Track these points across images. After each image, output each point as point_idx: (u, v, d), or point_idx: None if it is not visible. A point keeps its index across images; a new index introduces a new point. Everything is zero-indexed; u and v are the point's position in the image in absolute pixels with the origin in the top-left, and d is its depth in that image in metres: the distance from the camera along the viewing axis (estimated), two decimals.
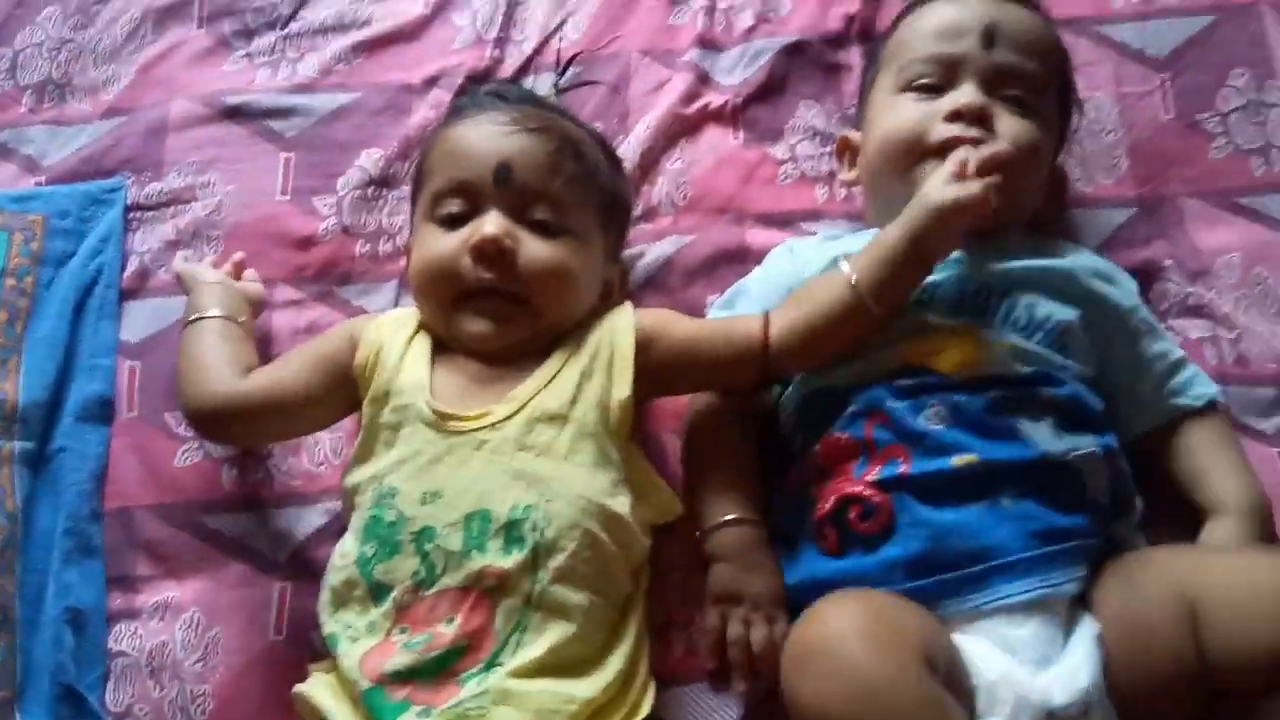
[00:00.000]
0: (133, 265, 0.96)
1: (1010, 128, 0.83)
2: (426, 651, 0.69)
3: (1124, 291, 0.87)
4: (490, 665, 0.69)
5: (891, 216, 0.81)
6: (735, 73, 1.03)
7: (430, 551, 0.71)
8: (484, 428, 0.74)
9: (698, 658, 0.79)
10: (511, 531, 0.71)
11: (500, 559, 0.70)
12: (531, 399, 0.75)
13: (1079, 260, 0.86)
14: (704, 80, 1.03)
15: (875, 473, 0.76)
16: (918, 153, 0.84)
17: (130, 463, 0.89)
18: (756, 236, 0.96)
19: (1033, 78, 0.85)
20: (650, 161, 0.99)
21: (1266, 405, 0.90)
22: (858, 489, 0.75)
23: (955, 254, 0.82)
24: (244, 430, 0.83)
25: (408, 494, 0.73)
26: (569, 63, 1.00)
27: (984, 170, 0.77)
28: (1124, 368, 0.85)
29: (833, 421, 0.79)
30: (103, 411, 0.89)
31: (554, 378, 0.77)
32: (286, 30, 1.05)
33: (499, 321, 0.77)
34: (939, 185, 0.77)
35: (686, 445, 0.86)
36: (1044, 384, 0.78)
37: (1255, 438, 0.89)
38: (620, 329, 0.79)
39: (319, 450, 0.88)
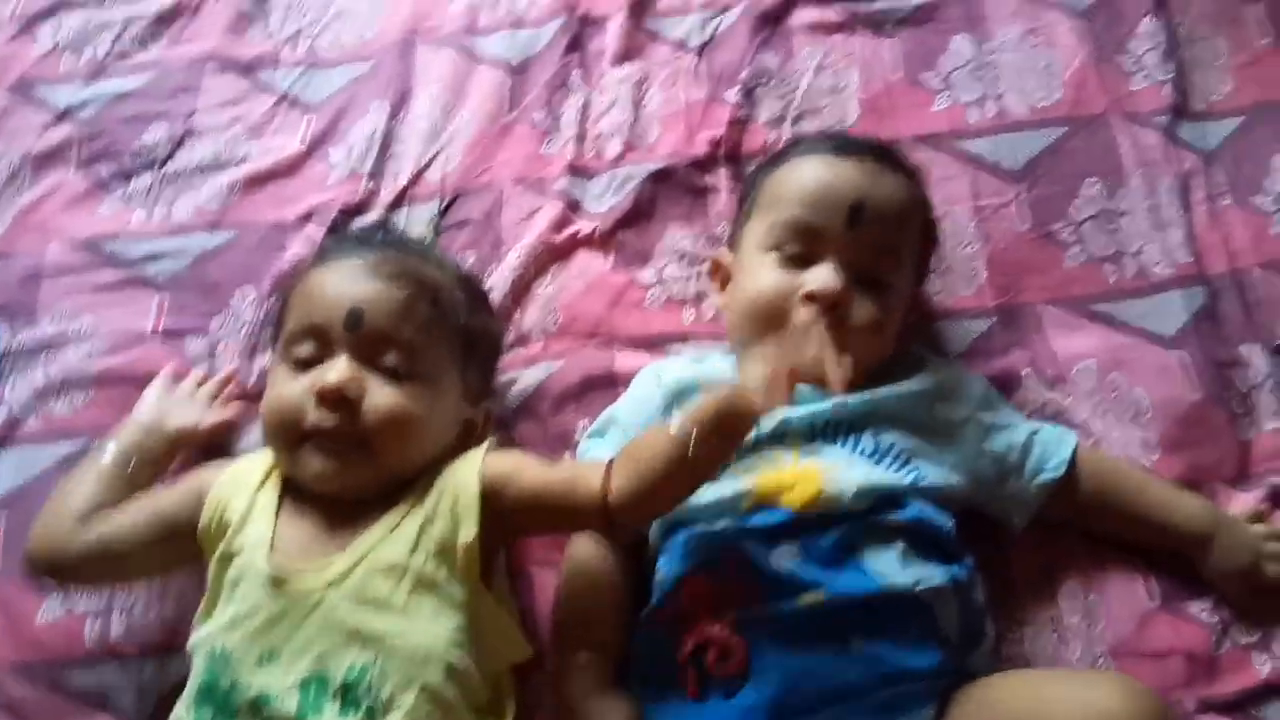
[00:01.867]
0: (2, 414, 0.96)
1: (861, 311, 0.86)
2: None
3: (966, 400, 0.89)
4: None
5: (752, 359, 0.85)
6: (604, 199, 1.06)
7: (268, 719, 0.70)
8: (321, 585, 0.74)
9: None
10: (348, 694, 0.71)
11: None
12: (371, 550, 0.76)
13: (924, 383, 0.88)
14: (574, 207, 1.06)
15: (731, 614, 0.77)
16: (775, 325, 0.85)
17: None
18: (625, 360, 0.98)
19: (890, 255, 0.88)
20: (521, 289, 1.01)
21: None
22: (714, 631, 0.76)
23: (805, 390, 0.85)
24: (77, 577, 0.84)
25: (243, 658, 0.73)
26: (449, 204, 1.03)
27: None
28: (983, 473, 0.87)
29: (691, 559, 0.80)
30: None
31: (396, 526, 0.77)
32: (164, 170, 1.07)
33: (339, 463, 0.78)
34: (746, 391, 0.74)
35: (561, 581, 0.86)
36: (889, 509, 0.80)
37: (1114, 547, 0.90)
38: (466, 474, 0.79)
39: (184, 600, 0.88)
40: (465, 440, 0.85)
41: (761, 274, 0.88)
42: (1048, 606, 0.88)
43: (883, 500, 0.80)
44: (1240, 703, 0.84)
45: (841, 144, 0.93)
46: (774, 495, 0.80)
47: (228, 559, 0.77)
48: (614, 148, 1.08)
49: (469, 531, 0.76)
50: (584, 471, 0.79)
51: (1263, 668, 0.84)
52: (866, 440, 0.83)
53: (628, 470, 0.76)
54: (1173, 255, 1.03)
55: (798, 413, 0.84)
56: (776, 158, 0.96)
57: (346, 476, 0.78)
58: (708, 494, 0.81)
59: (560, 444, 0.94)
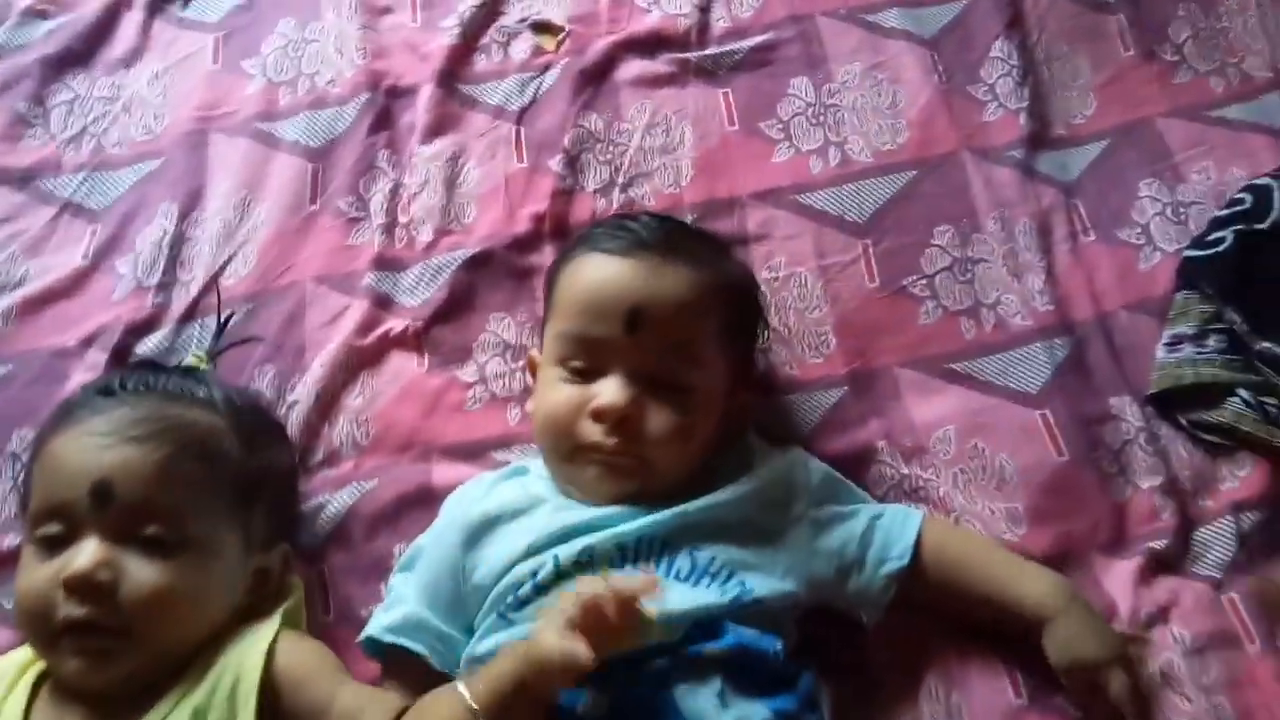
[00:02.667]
0: None
1: (658, 421, 0.78)
2: None
3: (797, 495, 0.82)
4: None
5: (560, 481, 0.80)
6: (417, 292, 0.97)
7: None
8: None
9: None
10: None
11: None
12: None
13: (747, 485, 0.80)
14: (384, 304, 0.97)
15: None
16: (568, 447, 0.79)
17: None
18: (445, 473, 0.89)
19: (684, 357, 0.80)
20: (329, 401, 0.92)
21: None
22: None
23: (612, 511, 0.78)
24: None
25: None
26: (224, 324, 0.92)
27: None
28: (820, 574, 0.79)
29: None
30: None
31: (168, 718, 0.69)
32: None
33: (98, 660, 0.69)
34: (550, 637, 0.65)
35: None
36: (704, 638, 0.72)
37: (979, 638, 0.82)
38: (250, 657, 0.71)
39: None
40: (259, 591, 0.77)
41: (550, 391, 0.81)
42: (909, 708, 0.80)
43: (698, 629, 0.72)
44: None
45: (620, 238, 0.84)
46: None
47: None
48: (426, 234, 1.00)
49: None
50: (376, 706, 0.71)
51: None
52: (682, 560, 0.75)
53: None
54: (1032, 304, 0.96)
55: (602, 536, 0.76)
56: (565, 253, 0.88)
57: (109, 672, 0.70)
58: (509, 639, 0.72)
59: (375, 574, 0.85)
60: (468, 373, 0.94)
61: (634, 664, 0.70)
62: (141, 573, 0.70)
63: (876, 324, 0.96)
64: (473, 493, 0.84)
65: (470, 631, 0.78)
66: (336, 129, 1.06)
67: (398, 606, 0.79)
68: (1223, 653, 0.81)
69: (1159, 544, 0.85)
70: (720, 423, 0.83)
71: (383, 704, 0.72)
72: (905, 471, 0.89)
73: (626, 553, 0.76)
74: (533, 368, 0.89)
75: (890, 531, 0.81)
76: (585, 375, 0.80)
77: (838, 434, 0.91)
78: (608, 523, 0.77)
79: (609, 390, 0.78)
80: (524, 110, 1.07)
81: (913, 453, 0.90)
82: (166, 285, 0.98)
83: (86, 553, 0.69)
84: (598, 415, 0.78)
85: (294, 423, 0.90)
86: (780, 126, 1.06)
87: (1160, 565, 0.85)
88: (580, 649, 0.63)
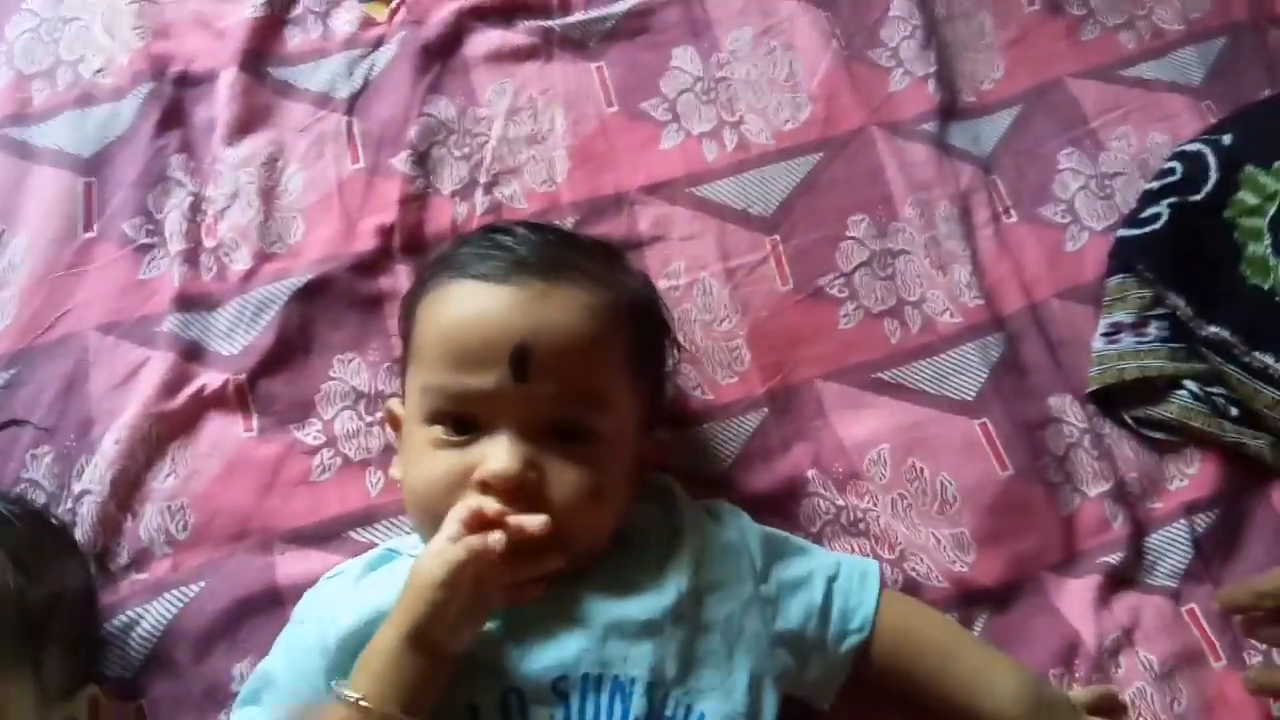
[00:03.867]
0: None
1: (562, 482, 0.62)
2: None
3: (745, 566, 0.68)
4: None
5: None
6: (235, 337, 0.78)
7: None
8: None
9: None
10: None
11: None
12: None
13: (690, 572, 0.65)
14: (193, 354, 0.77)
15: None
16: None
17: None
18: (291, 566, 0.72)
19: (587, 399, 0.64)
20: (130, 486, 0.73)
21: None
22: None
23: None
24: None
25: None
26: None
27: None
28: (782, 666, 0.66)
29: None
30: None
31: None
32: None
33: None
34: (431, 554, 0.57)
35: None
36: None
37: None
38: None
39: None
40: None
41: (421, 460, 0.64)
42: None
43: None
44: None
45: (493, 258, 0.67)
46: None
47: None
48: (241, 260, 0.80)
49: None
50: None
51: None
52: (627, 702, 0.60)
53: None
54: (960, 299, 0.85)
55: (523, 674, 0.60)
56: (423, 280, 0.70)
57: None
58: None
59: (210, 705, 0.67)
60: (310, 434, 0.76)
61: None
62: None
63: (793, 332, 0.84)
64: (332, 597, 0.66)
65: None
66: (112, 131, 0.84)
67: None
68: (1190, 671, 0.75)
69: (1113, 558, 0.78)
70: (635, 473, 0.69)
71: None
72: (841, 503, 0.78)
73: (560, 691, 0.60)
74: (394, 422, 0.72)
75: (849, 596, 0.69)
76: (465, 433, 0.63)
77: (762, 465, 0.79)
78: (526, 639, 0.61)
79: (496, 454, 0.61)
80: (355, 97, 0.87)
81: (846, 479, 0.79)
82: None
83: None
84: (485, 487, 0.61)
85: (85, 520, 0.71)
86: (666, 106, 0.90)
87: (1116, 581, 0.78)
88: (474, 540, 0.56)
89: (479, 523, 0.58)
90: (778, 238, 0.87)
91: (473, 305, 0.64)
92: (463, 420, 0.63)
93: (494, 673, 0.59)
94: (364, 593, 0.65)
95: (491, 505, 0.58)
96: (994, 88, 0.97)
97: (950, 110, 0.94)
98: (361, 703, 0.55)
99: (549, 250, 0.68)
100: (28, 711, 0.59)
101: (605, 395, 0.65)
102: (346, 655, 0.61)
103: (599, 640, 0.61)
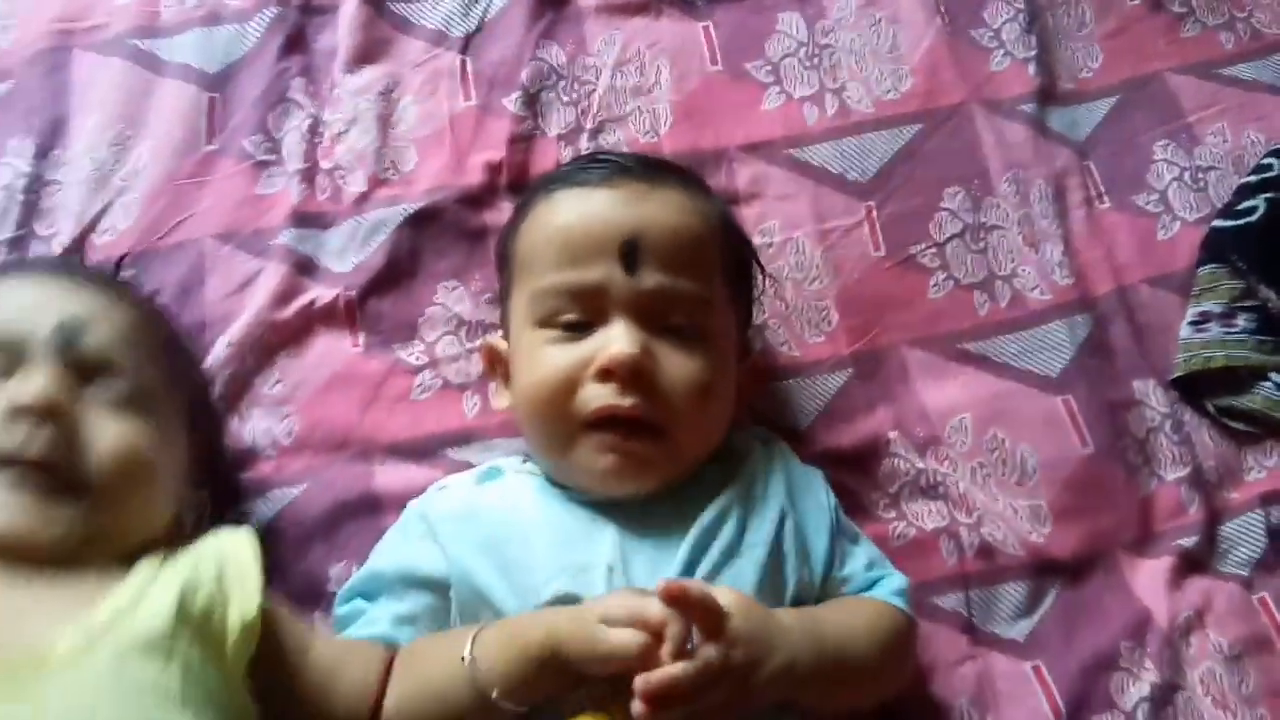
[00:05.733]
0: None
1: (675, 369, 0.65)
2: None
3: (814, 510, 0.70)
4: None
5: (559, 476, 0.66)
6: (347, 255, 0.80)
7: None
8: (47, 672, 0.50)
9: None
10: None
11: None
12: (113, 619, 0.53)
13: (771, 499, 0.68)
14: (306, 269, 0.80)
15: None
16: (572, 422, 0.65)
17: None
18: (389, 476, 0.74)
19: (695, 294, 0.66)
20: (239, 391, 0.75)
21: (1018, 605, 0.76)
22: None
23: (630, 531, 0.64)
24: None
25: None
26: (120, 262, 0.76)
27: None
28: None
29: None
30: None
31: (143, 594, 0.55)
32: None
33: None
34: (619, 634, 0.55)
35: None
36: None
37: (1007, 651, 0.75)
38: (238, 543, 0.60)
39: None
40: (173, 540, 0.62)
41: (538, 359, 0.65)
42: None
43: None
44: None
45: (595, 168, 0.70)
46: (600, 701, 0.57)
47: None
48: (356, 183, 0.83)
49: (249, 605, 0.57)
50: (360, 656, 0.62)
51: None
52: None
53: (408, 688, 0.60)
54: (1051, 276, 0.86)
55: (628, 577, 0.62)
56: (522, 207, 0.72)
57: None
58: None
59: (309, 600, 0.70)
60: (413, 355, 0.78)
61: None
62: (108, 428, 0.60)
63: (882, 297, 0.85)
64: (442, 502, 0.68)
65: None
66: (237, 51, 0.87)
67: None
68: (1259, 657, 0.76)
69: (1187, 541, 0.79)
70: (735, 394, 0.70)
71: (365, 655, 0.63)
72: (920, 465, 0.79)
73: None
74: (491, 356, 0.73)
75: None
76: (579, 331, 0.65)
77: (844, 423, 0.81)
78: (629, 546, 0.63)
79: (616, 339, 0.63)
80: (469, 37, 0.90)
81: (927, 444, 0.80)
82: (20, 241, 0.79)
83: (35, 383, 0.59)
84: (605, 373, 0.63)
85: None
86: (769, 68, 0.92)
87: (1189, 565, 0.78)
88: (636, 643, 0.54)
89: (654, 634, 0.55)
90: (873, 204, 0.88)
91: (579, 206, 0.67)
92: (574, 321, 0.65)
93: None
94: (469, 498, 0.68)
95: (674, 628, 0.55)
96: (1092, 77, 0.98)
97: (1049, 94, 0.95)
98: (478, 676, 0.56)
99: (646, 160, 0.72)
100: (179, 459, 0.64)
101: (710, 294, 0.68)
102: (448, 542, 0.64)
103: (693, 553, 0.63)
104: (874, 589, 0.69)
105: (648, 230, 0.65)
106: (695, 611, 0.56)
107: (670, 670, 0.54)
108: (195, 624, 0.55)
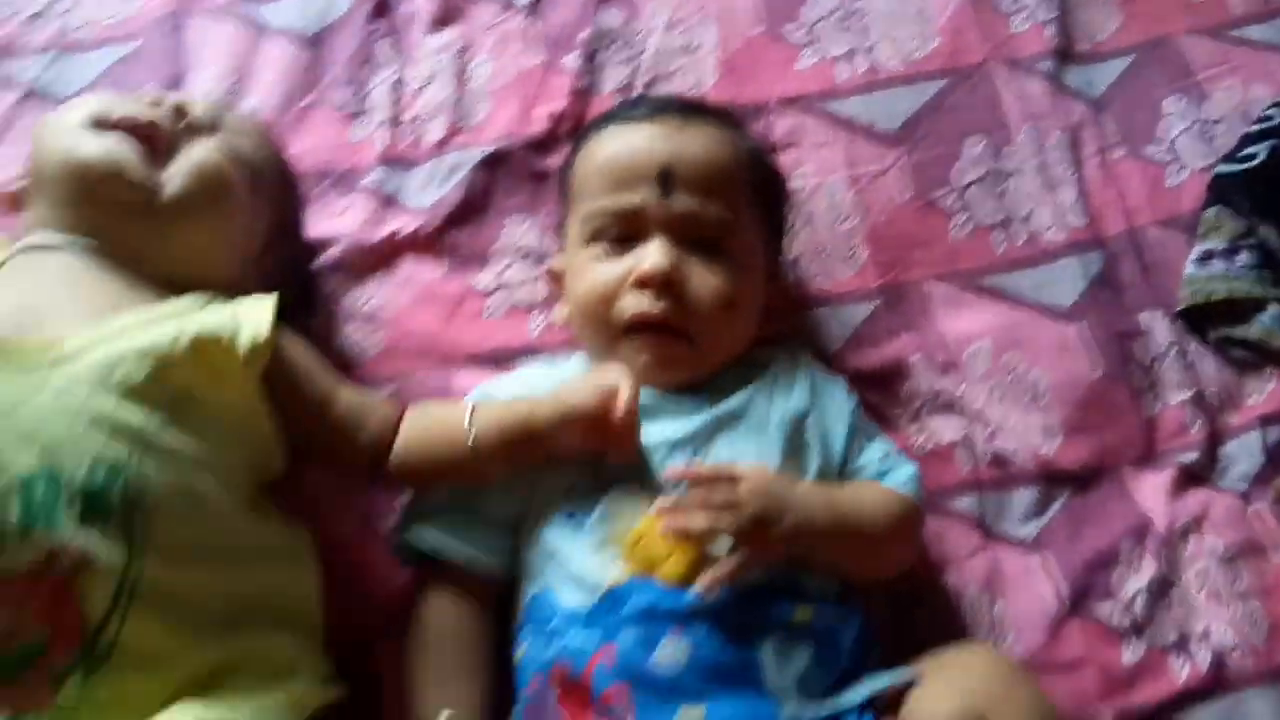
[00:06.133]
0: None
1: (703, 283, 0.74)
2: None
3: (834, 409, 0.79)
4: (86, 661, 0.55)
5: None
6: (428, 192, 0.91)
7: None
8: (49, 363, 0.59)
9: None
10: (92, 500, 0.56)
11: (78, 534, 0.56)
12: (123, 331, 0.61)
13: (803, 393, 0.77)
14: (391, 204, 0.90)
15: (608, 716, 0.64)
16: (614, 327, 0.75)
17: None
18: (465, 380, 0.84)
19: (722, 217, 0.76)
20: (335, 305, 0.85)
21: (1027, 509, 0.83)
22: None
23: (659, 403, 0.74)
24: None
25: None
26: None
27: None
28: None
29: (557, 648, 0.67)
30: None
31: (156, 314, 0.64)
32: None
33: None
34: (579, 393, 0.70)
35: (413, 625, 0.72)
36: (787, 598, 0.67)
37: (1016, 546, 0.82)
38: (262, 300, 0.67)
39: None
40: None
41: (586, 273, 0.76)
42: (953, 619, 0.79)
43: (778, 586, 0.68)
44: (1159, 713, 0.76)
45: (638, 106, 0.81)
46: (646, 564, 0.67)
47: None
48: (436, 130, 0.93)
49: (261, 330, 0.64)
50: (380, 410, 0.73)
51: (1181, 672, 0.77)
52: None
53: (416, 441, 0.72)
54: (1065, 218, 0.94)
55: (651, 435, 0.71)
56: (577, 143, 0.82)
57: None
58: (573, 561, 0.68)
59: (396, 482, 0.78)
60: (484, 279, 0.88)
61: (712, 610, 0.66)
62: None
63: (908, 237, 0.93)
64: (503, 386, 0.79)
65: (509, 528, 0.73)
66: (331, 15, 0.98)
67: (431, 510, 0.73)
68: (1252, 561, 0.82)
69: (1188, 457, 0.85)
70: (761, 309, 0.79)
71: (383, 409, 0.73)
72: (939, 385, 0.87)
73: (676, 455, 0.71)
74: (554, 278, 0.84)
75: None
76: (621, 247, 0.75)
77: (870, 348, 0.89)
78: (657, 414, 0.72)
79: (651, 254, 0.73)
80: (535, 3, 1.00)
81: (946, 367, 0.88)
82: None
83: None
84: (642, 281, 0.73)
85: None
86: (804, 30, 1.01)
87: (1189, 478, 0.85)
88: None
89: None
90: (900, 151, 0.96)
91: (623, 139, 0.77)
92: (618, 238, 0.75)
93: None
94: (532, 382, 0.77)
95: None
96: (1108, 39, 1.05)
97: (1066, 54, 1.02)
98: (471, 437, 0.69)
99: (684, 101, 0.82)
100: (250, 225, 0.73)
101: (737, 218, 0.77)
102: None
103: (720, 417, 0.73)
104: (886, 478, 0.77)
105: (681, 159, 0.75)
106: (708, 478, 0.67)
107: (694, 518, 0.65)
108: (202, 345, 0.62)
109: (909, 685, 0.65)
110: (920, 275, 0.92)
